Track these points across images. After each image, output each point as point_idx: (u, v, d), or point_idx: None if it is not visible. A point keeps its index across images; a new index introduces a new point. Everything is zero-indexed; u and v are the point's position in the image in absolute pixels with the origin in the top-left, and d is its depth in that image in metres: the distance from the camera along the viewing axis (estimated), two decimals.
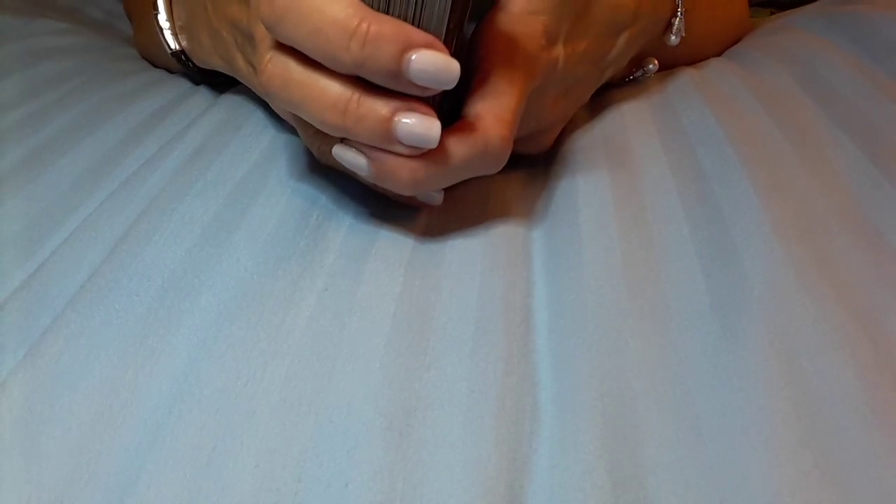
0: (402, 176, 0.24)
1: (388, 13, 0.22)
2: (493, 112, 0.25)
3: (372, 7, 0.22)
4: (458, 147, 0.25)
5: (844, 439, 0.20)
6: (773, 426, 0.21)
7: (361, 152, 0.24)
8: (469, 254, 0.27)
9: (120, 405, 0.21)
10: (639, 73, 0.40)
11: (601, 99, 0.38)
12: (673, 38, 0.38)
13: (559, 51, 0.29)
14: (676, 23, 0.38)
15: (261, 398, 0.21)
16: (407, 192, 0.25)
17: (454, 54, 0.23)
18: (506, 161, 0.26)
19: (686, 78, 0.40)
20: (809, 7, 0.52)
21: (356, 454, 0.20)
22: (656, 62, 0.40)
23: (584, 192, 0.30)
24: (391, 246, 0.27)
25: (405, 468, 0.20)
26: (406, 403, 0.21)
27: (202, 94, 0.40)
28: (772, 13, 0.66)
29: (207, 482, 0.19)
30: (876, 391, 0.21)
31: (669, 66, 0.43)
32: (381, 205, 0.29)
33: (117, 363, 0.22)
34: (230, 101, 0.37)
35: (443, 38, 0.23)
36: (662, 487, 0.20)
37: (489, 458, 0.20)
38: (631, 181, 0.31)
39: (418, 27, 0.22)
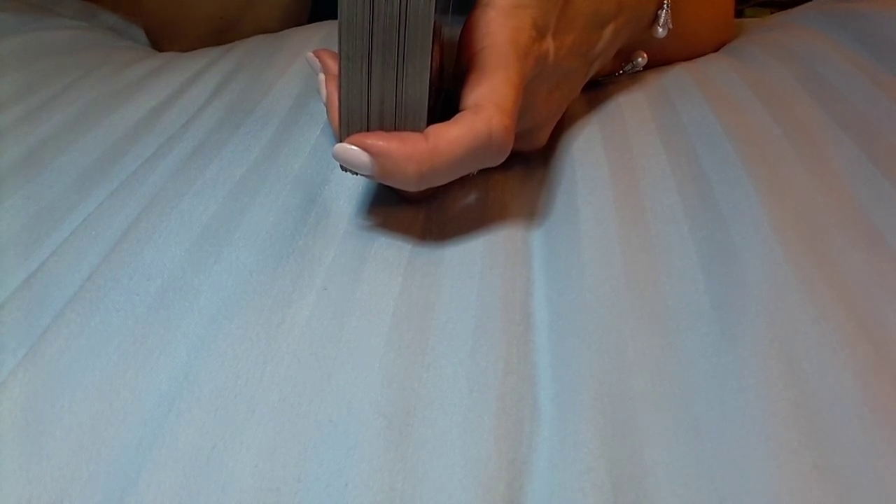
0: (407, 171, 0.24)
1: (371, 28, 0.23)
2: (494, 102, 0.25)
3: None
4: (462, 138, 0.24)
5: (844, 439, 0.20)
6: (773, 426, 0.21)
7: (365, 150, 0.24)
8: (468, 253, 0.27)
9: (120, 405, 0.21)
10: (628, 67, 0.40)
11: (599, 95, 0.38)
12: (660, 30, 0.38)
13: (549, 43, 0.29)
14: (662, 15, 0.38)
15: (260, 398, 0.21)
16: (412, 188, 0.25)
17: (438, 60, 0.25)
18: (509, 152, 0.26)
19: (685, 74, 0.40)
20: (809, 4, 0.52)
21: (356, 454, 0.20)
22: (645, 55, 0.40)
23: (584, 191, 0.30)
24: (390, 245, 0.27)
25: (405, 468, 0.20)
26: (406, 403, 0.21)
27: (199, 88, 0.40)
28: (772, 13, 0.66)
29: (207, 481, 0.19)
30: (876, 391, 0.21)
31: (662, 61, 0.43)
32: (380, 204, 0.29)
33: (117, 363, 0.22)
34: (228, 97, 0.37)
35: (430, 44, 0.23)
36: (662, 487, 0.20)
37: (489, 457, 0.20)
38: (630, 180, 0.31)
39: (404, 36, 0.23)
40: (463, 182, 0.31)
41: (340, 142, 0.25)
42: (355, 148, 0.24)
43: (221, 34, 0.50)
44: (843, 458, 0.20)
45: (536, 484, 0.20)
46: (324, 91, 0.29)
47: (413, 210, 0.29)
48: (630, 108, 0.37)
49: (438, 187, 0.28)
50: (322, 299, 0.24)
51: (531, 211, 0.31)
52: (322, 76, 0.30)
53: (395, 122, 0.25)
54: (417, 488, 0.19)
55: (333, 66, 0.30)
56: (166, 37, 0.52)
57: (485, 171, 0.30)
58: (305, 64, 0.39)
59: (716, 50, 0.48)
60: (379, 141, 0.24)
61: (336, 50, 0.25)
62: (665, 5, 0.38)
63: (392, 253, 0.27)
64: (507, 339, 0.24)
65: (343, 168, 0.26)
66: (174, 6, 0.50)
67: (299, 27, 0.46)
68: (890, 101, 0.35)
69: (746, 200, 0.28)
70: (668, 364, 0.23)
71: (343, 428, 0.21)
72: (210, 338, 0.23)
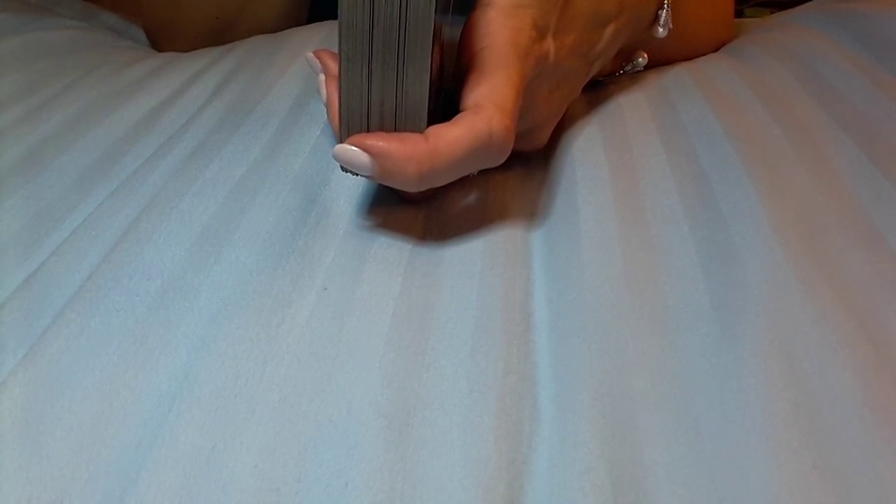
0: (407, 172, 0.24)
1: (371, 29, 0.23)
2: (494, 102, 0.25)
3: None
4: (463, 139, 0.24)
5: (844, 439, 0.20)
6: (773, 426, 0.21)
7: (365, 151, 0.24)
8: (468, 253, 0.27)
9: (120, 405, 0.21)
10: (629, 67, 0.40)
11: (600, 95, 0.38)
12: (660, 30, 0.38)
13: (549, 43, 0.29)
14: (663, 15, 0.38)
15: (260, 398, 0.21)
16: (413, 189, 0.25)
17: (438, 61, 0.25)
18: (509, 152, 0.26)
19: (685, 74, 0.40)
20: (809, 4, 0.52)
21: (356, 454, 0.20)
22: (646, 55, 0.40)
23: (584, 191, 0.30)
24: (390, 245, 0.27)
25: (405, 468, 0.20)
26: (406, 403, 0.21)
27: (199, 88, 0.40)
28: (772, 13, 0.66)
29: (207, 481, 0.19)
30: (875, 391, 0.21)
31: (662, 61, 0.43)
32: (380, 204, 0.29)
33: (117, 363, 0.22)
34: (228, 97, 0.37)
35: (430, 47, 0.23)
36: (662, 487, 0.20)
37: (489, 457, 0.20)
38: (630, 180, 0.31)
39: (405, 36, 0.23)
40: (463, 182, 0.31)
41: (340, 142, 0.25)
42: (355, 149, 0.24)
43: (220, 34, 0.50)
44: (843, 458, 0.20)
45: (536, 484, 0.20)
46: (324, 91, 0.29)
47: (413, 210, 0.29)
48: (630, 108, 0.37)
49: (438, 188, 0.28)
50: (322, 299, 0.24)
51: (531, 211, 0.31)
52: (322, 76, 0.30)
53: (395, 123, 0.25)
54: (417, 488, 0.19)
55: (333, 66, 0.30)
56: (166, 37, 0.52)
57: (485, 171, 0.30)
58: (305, 64, 0.39)
59: (716, 50, 0.48)
60: (379, 142, 0.24)
61: (336, 50, 0.25)
62: (665, 5, 0.38)
63: (392, 253, 0.27)
64: (507, 339, 0.24)
65: (343, 168, 0.26)
66: (173, 6, 0.50)
67: (299, 27, 0.46)
68: (890, 101, 0.35)
69: (746, 200, 0.29)
70: (668, 364, 0.23)
71: (343, 428, 0.21)
72: (210, 338, 0.23)
